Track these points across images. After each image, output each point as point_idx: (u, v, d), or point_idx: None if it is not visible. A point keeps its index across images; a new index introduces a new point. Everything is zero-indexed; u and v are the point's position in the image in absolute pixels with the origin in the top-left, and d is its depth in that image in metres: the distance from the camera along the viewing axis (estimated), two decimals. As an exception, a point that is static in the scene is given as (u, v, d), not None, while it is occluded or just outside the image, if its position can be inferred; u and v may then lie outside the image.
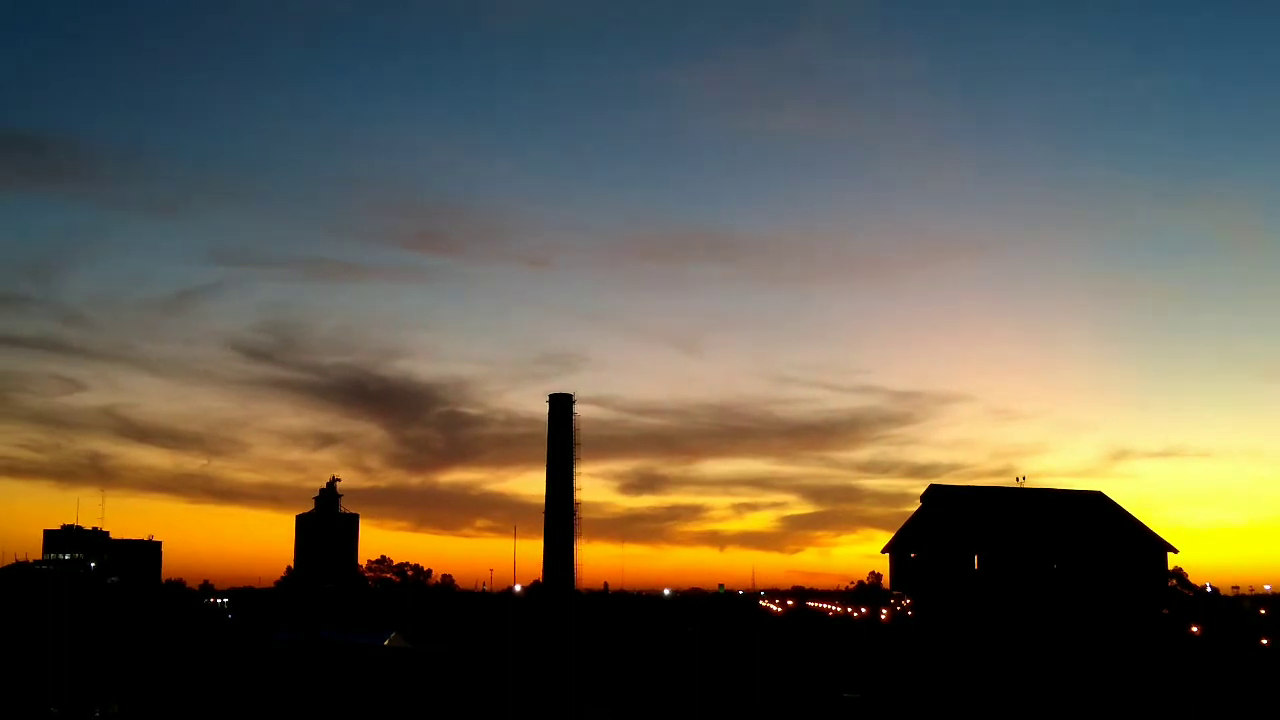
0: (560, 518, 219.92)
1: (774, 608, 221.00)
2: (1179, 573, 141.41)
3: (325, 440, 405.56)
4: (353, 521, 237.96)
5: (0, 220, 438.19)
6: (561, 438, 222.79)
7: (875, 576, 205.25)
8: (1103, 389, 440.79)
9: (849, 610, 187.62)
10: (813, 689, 75.60)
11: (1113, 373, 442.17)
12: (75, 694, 66.41)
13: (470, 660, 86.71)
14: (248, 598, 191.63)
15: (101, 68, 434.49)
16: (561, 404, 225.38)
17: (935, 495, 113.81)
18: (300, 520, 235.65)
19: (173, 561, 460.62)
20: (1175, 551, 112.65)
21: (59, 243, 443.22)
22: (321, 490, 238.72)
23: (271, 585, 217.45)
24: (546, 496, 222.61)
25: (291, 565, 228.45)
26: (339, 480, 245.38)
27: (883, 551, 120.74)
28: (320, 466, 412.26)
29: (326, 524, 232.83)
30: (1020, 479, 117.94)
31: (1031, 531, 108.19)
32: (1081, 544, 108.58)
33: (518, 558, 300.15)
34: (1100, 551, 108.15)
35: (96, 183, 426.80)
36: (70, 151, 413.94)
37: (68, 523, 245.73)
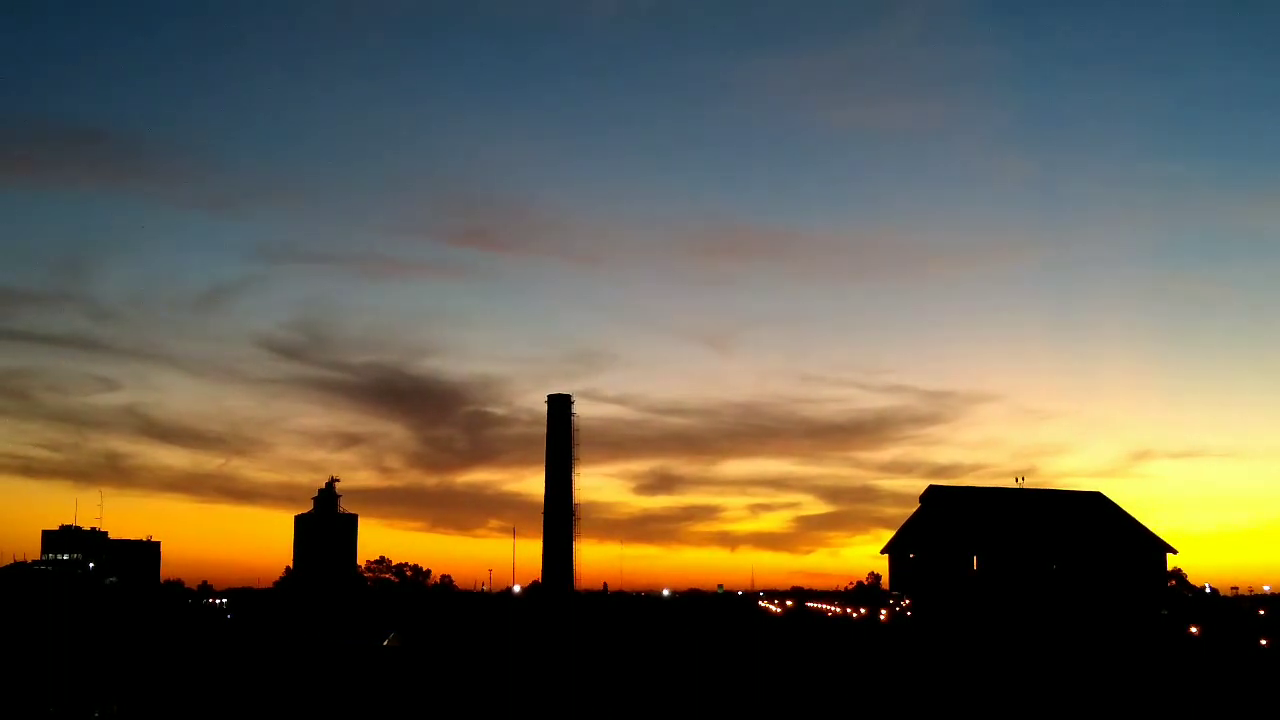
0: (559, 518, 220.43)
1: (773, 608, 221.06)
2: (1178, 574, 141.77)
3: (349, 440, 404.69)
4: (352, 522, 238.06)
5: (42, 214, 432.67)
6: (560, 438, 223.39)
7: (874, 577, 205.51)
8: (1133, 389, 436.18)
9: (848, 611, 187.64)
10: (810, 689, 75.56)
11: (1144, 372, 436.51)
12: (74, 695, 66.36)
13: (467, 661, 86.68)
14: (246, 598, 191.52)
15: (159, 62, 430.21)
16: (560, 404, 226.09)
17: (934, 496, 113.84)
18: (299, 520, 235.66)
19: (178, 562, 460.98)
20: (1174, 552, 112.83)
21: (98, 238, 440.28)
22: (320, 490, 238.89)
23: (270, 585, 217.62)
24: (546, 497, 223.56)
25: (290, 566, 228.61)
26: (338, 480, 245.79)
27: (882, 552, 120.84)
28: (340, 467, 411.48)
29: (325, 524, 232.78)
30: (1019, 479, 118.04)
31: (1030, 532, 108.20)
32: (1080, 545, 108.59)
33: (524, 558, 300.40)
34: (1099, 552, 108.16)
35: (145, 177, 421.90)
36: (123, 145, 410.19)
37: (75, 523, 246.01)
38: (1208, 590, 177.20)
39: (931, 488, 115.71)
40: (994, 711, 66.28)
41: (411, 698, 68.49)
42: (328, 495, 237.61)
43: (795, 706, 67.71)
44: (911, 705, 68.17)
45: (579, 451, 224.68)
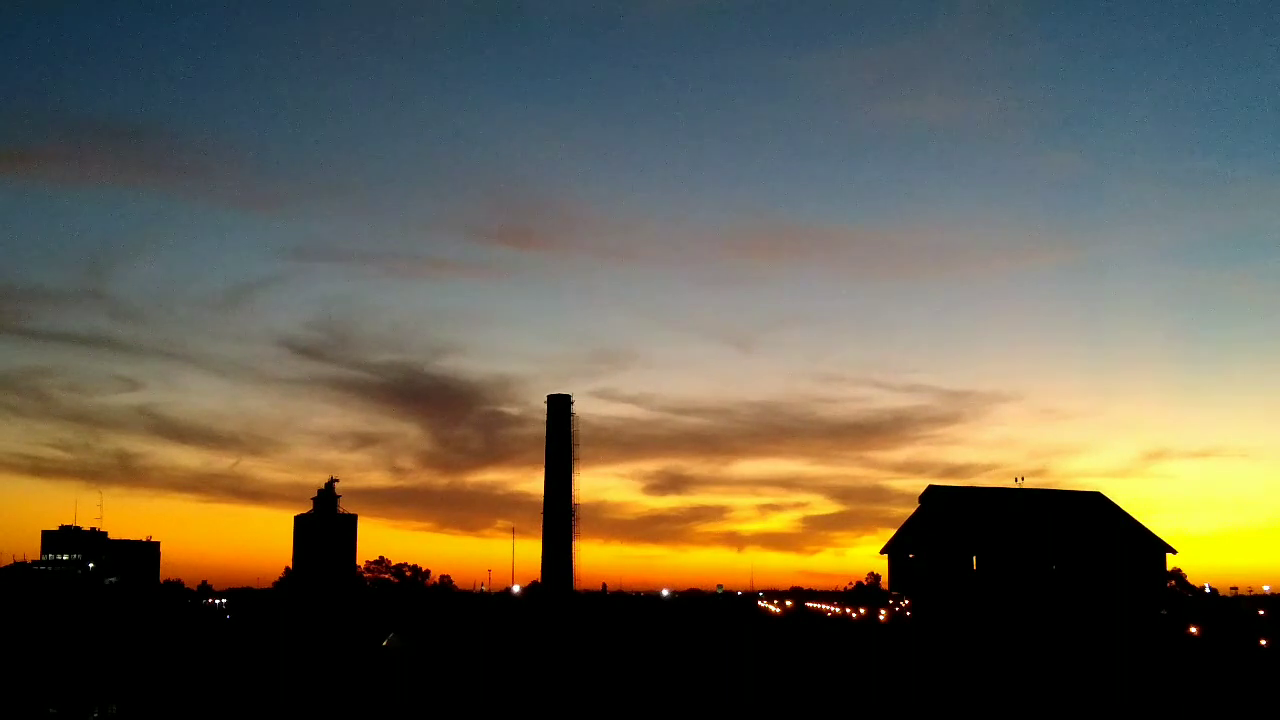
0: (558, 518, 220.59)
1: (772, 608, 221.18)
2: (1178, 574, 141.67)
3: (364, 440, 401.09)
4: (351, 522, 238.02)
5: (71, 211, 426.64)
6: (560, 438, 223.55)
7: (874, 577, 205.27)
8: (1153, 389, 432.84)
9: (847, 611, 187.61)
10: (807, 693, 75.51)
11: (1165, 373, 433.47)
12: (73, 695, 66.40)
13: (467, 662, 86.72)
14: (246, 598, 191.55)
15: (195, 58, 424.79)
16: (560, 404, 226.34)
17: (933, 496, 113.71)
18: (298, 521, 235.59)
19: (185, 562, 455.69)
20: (1174, 552, 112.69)
21: (127, 235, 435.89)
22: (320, 491, 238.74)
23: (270, 586, 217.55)
24: (545, 497, 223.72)
25: (290, 566, 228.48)
26: (337, 481, 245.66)
27: (881, 552, 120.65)
28: (353, 467, 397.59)
29: (325, 525, 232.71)
30: (1019, 479, 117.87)
31: (1030, 532, 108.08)
32: (1080, 545, 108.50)
33: (529, 559, 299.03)
34: (1099, 553, 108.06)
35: (181, 174, 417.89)
36: (161, 142, 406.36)
37: (75, 524, 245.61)
38: (1207, 590, 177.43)
39: (931, 488, 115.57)
40: (994, 712, 66.25)
41: (412, 699, 68.46)
42: (327, 495, 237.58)
43: (792, 708, 67.66)
44: (912, 708, 68.12)
45: (579, 451, 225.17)
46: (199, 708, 64.61)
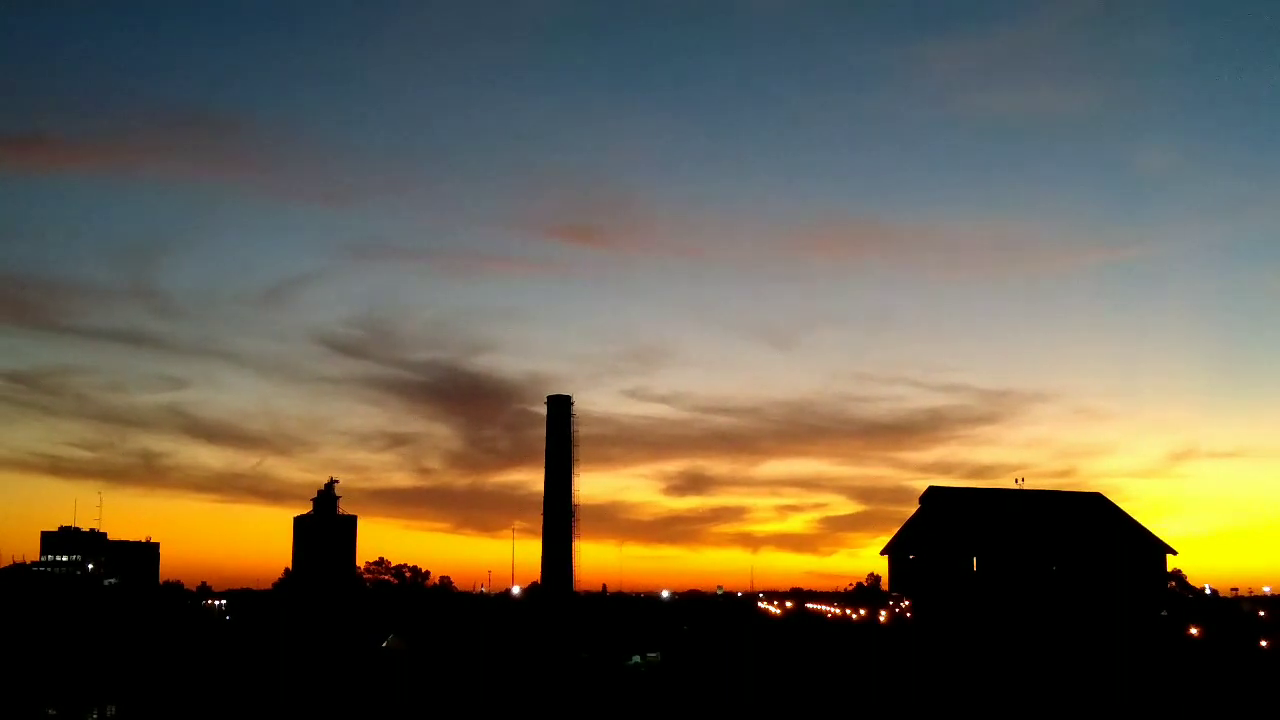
0: (558, 519, 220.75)
1: (772, 609, 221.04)
2: (1178, 575, 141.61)
3: (394, 440, 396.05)
4: (351, 523, 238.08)
5: (120, 205, 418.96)
6: (560, 439, 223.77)
7: (875, 578, 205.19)
8: (1188, 389, 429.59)
9: (848, 612, 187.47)
10: (807, 695, 75.37)
11: (1201, 374, 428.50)
12: (72, 696, 66.33)
13: (464, 663, 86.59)
14: (246, 599, 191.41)
15: (259, 52, 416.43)
16: (560, 405, 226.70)
17: (933, 496, 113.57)
18: (298, 522, 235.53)
19: (195, 564, 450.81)
20: (1174, 554, 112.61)
21: (180, 229, 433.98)
22: (320, 491, 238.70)
23: (270, 587, 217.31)
24: (545, 498, 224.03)
25: (289, 567, 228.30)
26: (337, 481, 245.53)
27: (882, 553, 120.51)
28: (379, 467, 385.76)
29: (324, 525, 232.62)
30: (1019, 480, 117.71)
31: (1030, 533, 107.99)
32: (1080, 546, 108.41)
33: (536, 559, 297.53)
34: (1099, 553, 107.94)
35: (241, 167, 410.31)
36: (221, 135, 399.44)
37: (75, 525, 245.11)
38: (1207, 591, 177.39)
39: (931, 488, 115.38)
40: (994, 713, 66.16)
41: (412, 701, 68.37)
42: (327, 496, 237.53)
43: (791, 710, 67.53)
44: (912, 709, 68.01)
45: (579, 452, 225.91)
46: (197, 709, 64.51)
